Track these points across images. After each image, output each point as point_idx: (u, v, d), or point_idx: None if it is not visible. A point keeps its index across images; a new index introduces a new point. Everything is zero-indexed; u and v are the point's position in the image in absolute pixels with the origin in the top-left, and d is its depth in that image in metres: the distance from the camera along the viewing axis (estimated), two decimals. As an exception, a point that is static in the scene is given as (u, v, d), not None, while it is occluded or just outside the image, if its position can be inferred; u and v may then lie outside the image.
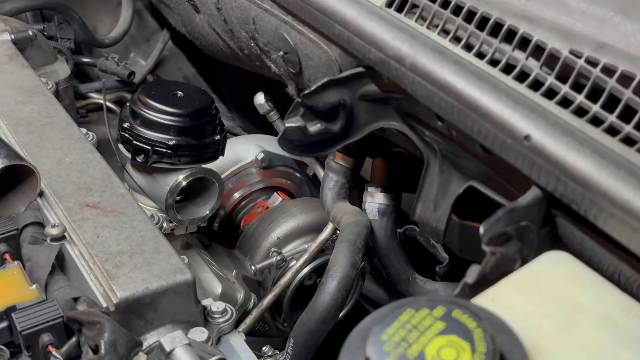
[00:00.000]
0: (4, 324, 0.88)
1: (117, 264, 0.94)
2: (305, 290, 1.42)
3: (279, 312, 1.41)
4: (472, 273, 0.67)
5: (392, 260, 1.19)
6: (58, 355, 0.84)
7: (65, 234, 0.98)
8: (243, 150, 1.51)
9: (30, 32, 1.44)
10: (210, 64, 1.89)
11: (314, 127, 0.87)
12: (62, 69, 1.52)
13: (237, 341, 1.01)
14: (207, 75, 1.92)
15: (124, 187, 1.09)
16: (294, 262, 1.36)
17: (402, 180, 1.20)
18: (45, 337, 0.86)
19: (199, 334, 0.94)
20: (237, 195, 1.52)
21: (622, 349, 0.60)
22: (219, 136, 1.26)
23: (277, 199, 1.49)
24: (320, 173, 1.40)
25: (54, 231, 0.97)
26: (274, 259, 1.36)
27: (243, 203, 1.52)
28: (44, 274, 0.93)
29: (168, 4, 1.53)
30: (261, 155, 1.49)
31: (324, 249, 1.38)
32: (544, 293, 0.65)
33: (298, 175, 1.56)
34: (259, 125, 1.71)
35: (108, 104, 1.73)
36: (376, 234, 1.17)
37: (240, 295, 1.31)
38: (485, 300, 0.65)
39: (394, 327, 0.60)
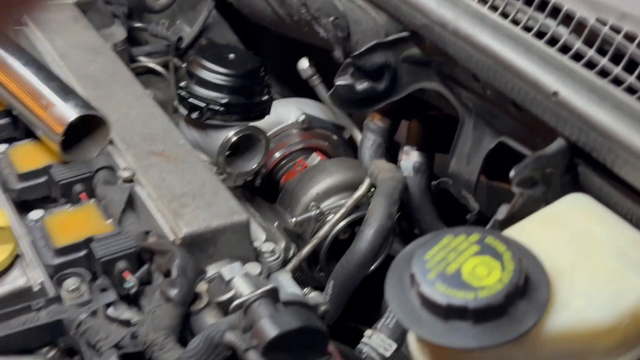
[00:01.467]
0: (83, 253, 0.99)
1: (182, 204, 1.05)
2: (340, 243, 1.52)
3: (315, 262, 1.52)
4: (502, 211, 0.77)
5: (423, 215, 1.29)
6: (133, 280, 0.95)
7: (135, 177, 1.10)
8: (285, 113, 1.62)
9: (91, -4, 1.55)
10: (251, 32, 1.99)
11: (362, 86, 0.97)
12: (119, 32, 1.63)
13: (285, 277, 1.12)
14: (248, 43, 2.02)
15: (184, 139, 1.20)
16: (331, 216, 1.47)
17: (435, 142, 1.30)
18: (121, 264, 0.97)
19: (253, 267, 1.05)
20: (278, 154, 1.62)
21: (631, 274, 0.70)
22: (266, 97, 1.36)
23: (315, 158, 1.59)
24: (357, 136, 1.50)
25: (126, 174, 1.09)
26: (312, 213, 1.47)
27: (284, 162, 1.63)
28: (117, 211, 1.04)
29: (217, -27, 1.63)
30: (302, 117, 1.60)
31: (359, 205, 1.48)
32: (564, 228, 0.75)
33: (335, 137, 1.66)
34: (296, 93, 1.81)
35: (156, 67, 1.84)
36: (410, 190, 1.27)
37: (282, 245, 1.42)
38: (512, 232, 0.76)
39: (435, 249, 0.71)
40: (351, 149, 1.69)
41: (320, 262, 1.51)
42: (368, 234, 1.17)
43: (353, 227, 1.52)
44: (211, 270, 1.03)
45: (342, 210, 1.46)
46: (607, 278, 0.70)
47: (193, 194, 1.08)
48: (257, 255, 1.11)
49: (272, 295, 0.92)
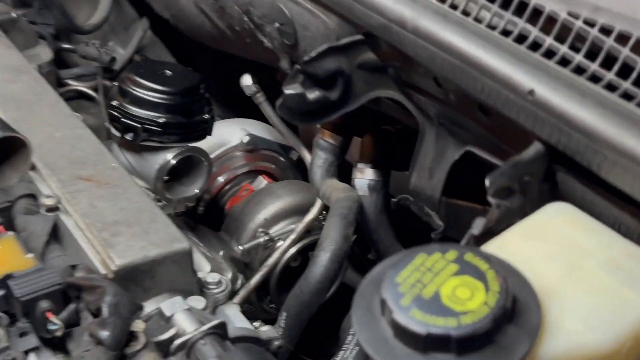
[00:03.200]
0: (1, 292, 0.87)
1: (114, 233, 0.94)
2: (291, 272, 1.42)
3: (265, 293, 1.41)
4: (478, 225, 0.69)
5: (381, 236, 1.20)
6: (57, 321, 0.83)
7: (60, 205, 0.98)
8: (228, 134, 1.51)
9: (14, 15, 1.43)
10: (188, 52, 1.89)
11: (313, 95, 0.88)
12: (44, 52, 1.51)
13: (233, 311, 1.01)
14: (185, 64, 1.92)
15: (116, 161, 1.09)
16: (281, 242, 1.37)
17: (390, 158, 1.22)
18: (44, 304, 0.84)
19: (197, 302, 0.94)
20: (221, 179, 1.52)
21: (627, 289, 0.62)
22: (207, 115, 1.26)
23: (262, 182, 1.49)
24: (307, 156, 1.41)
25: (49, 201, 0.97)
26: (261, 239, 1.36)
27: (228, 186, 1.53)
28: (39, 244, 0.92)
29: (152, -11, 1.53)
30: (247, 139, 1.50)
31: (311, 230, 1.39)
32: (549, 240, 0.67)
33: (282, 159, 1.57)
34: (238, 115, 1.71)
35: (87, 90, 1.72)
36: (366, 210, 1.18)
37: (229, 275, 1.31)
38: (492, 247, 0.67)
39: (407, 270, 0.61)
40: (299, 171, 1.60)
41: (271, 293, 1.40)
42: (323, 259, 1.07)
43: (305, 254, 1.42)
44: (149, 307, 0.92)
45: (293, 236, 1.36)
46: (602, 295, 0.62)
47: (127, 221, 0.96)
48: (201, 288, 1.00)
49: (220, 331, 0.81)
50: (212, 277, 1.01)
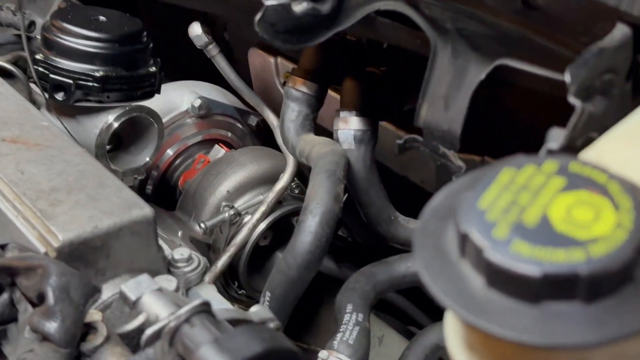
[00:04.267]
0: None
1: (53, 202, 0.73)
2: (260, 252, 1.23)
3: (232, 277, 1.21)
4: (557, 136, 0.51)
5: (372, 197, 1.02)
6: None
7: (-22, 172, 0.76)
8: (175, 97, 1.30)
9: None
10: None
11: (300, 6, 0.69)
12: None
13: (210, 293, 0.81)
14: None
15: (46, 120, 0.88)
16: (249, 216, 1.18)
17: (376, 105, 1.04)
18: (-36, 297, 0.64)
19: (167, 282, 0.74)
20: (170, 151, 1.31)
21: None
22: (154, 68, 1.05)
23: (219, 150, 1.29)
24: (271, 118, 1.22)
25: (-37, 167, 0.75)
26: (226, 214, 1.16)
27: (179, 160, 1.32)
28: (-46, 221, 0.71)
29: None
30: (198, 102, 1.29)
31: (282, 201, 1.20)
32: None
33: (240, 125, 1.37)
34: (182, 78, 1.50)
35: (4, 64, 1.48)
36: (353, 166, 1.00)
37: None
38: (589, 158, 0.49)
39: (493, 190, 0.43)
40: (260, 139, 1.41)
41: (240, 277, 1.21)
42: (312, 224, 0.88)
43: (276, 229, 1.23)
44: (106, 291, 0.71)
45: (262, 208, 1.17)
46: None
47: (68, 187, 0.75)
48: (168, 267, 0.80)
49: (206, 312, 0.61)
50: (181, 253, 0.80)
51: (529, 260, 0.39)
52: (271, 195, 1.17)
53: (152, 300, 0.66)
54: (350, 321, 0.92)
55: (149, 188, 1.31)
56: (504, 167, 0.44)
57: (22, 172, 0.76)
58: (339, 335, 0.91)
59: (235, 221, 1.17)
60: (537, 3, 0.60)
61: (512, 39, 0.66)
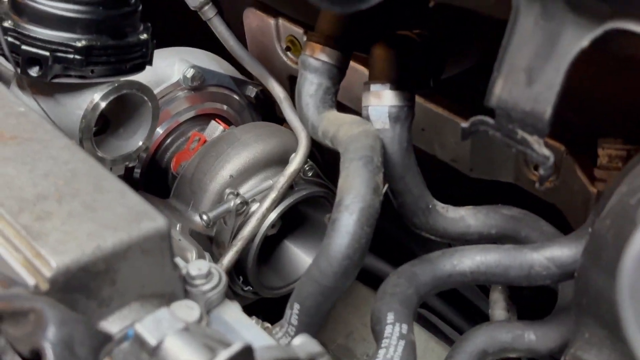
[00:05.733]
0: None
1: (40, 214, 0.57)
2: (267, 242, 1.08)
3: (238, 274, 1.07)
4: None
5: (408, 184, 0.87)
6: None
7: (-60, 177, 0.60)
8: (165, 67, 1.13)
9: None
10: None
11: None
12: None
13: (235, 314, 0.67)
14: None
15: (23, 105, 0.71)
16: (257, 204, 1.02)
17: (413, 75, 0.88)
18: None
19: (187, 310, 0.59)
20: (160, 130, 1.14)
21: None
22: (145, 35, 0.89)
23: (217, 127, 1.13)
24: (277, 90, 1.06)
25: None
26: (231, 203, 1.01)
27: (170, 139, 1.16)
28: None
29: None
30: (191, 72, 1.12)
31: (294, 185, 1.05)
32: None
33: (237, 98, 1.20)
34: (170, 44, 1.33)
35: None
36: (387, 150, 0.85)
37: (193, 255, 0.96)
38: None
39: None
40: (260, 113, 1.25)
41: (248, 273, 1.06)
42: (349, 223, 0.73)
43: (287, 218, 1.08)
44: (112, 326, 0.56)
45: (273, 195, 1.02)
46: None
47: (58, 192, 0.60)
48: (184, 285, 0.65)
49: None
50: (199, 268, 0.65)
51: None
52: (282, 179, 1.02)
53: (179, 346, 0.51)
54: (394, 334, 0.78)
55: (137, 172, 1.15)
56: None
57: (-3, 176, 0.60)
58: (381, 353, 0.77)
59: (242, 211, 1.02)
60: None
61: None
